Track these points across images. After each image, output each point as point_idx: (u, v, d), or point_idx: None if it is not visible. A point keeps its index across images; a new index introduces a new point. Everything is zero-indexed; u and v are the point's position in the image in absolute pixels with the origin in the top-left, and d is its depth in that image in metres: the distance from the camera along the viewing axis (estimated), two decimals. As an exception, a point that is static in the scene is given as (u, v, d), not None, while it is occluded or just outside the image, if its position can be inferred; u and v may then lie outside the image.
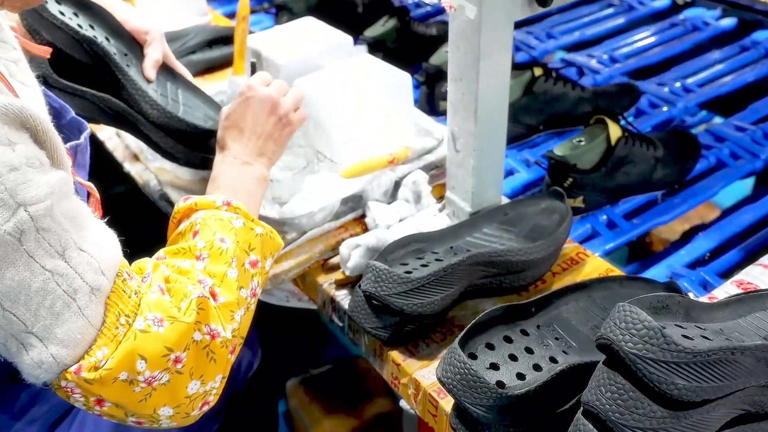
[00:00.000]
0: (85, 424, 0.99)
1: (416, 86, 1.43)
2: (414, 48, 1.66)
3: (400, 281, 0.90)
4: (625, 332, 0.62)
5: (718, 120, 1.54)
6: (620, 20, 1.93)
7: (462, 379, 0.75)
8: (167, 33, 1.56)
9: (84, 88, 1.05)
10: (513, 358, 0.80)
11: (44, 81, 1.01)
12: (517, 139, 1.43)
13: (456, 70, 0.99)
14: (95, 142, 1.46)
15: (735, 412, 0.68)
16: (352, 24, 1.68)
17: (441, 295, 0.92)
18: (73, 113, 0.90)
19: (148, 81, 1.10)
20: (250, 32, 1.36)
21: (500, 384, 0.77)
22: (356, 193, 1.15)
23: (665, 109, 1.53)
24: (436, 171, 1.22)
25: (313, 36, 1.35)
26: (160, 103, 1.08)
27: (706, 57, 1.73)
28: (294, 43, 1.33)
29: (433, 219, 1.13)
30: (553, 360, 0.81)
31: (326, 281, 1.08)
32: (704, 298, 0.99)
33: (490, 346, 0.81)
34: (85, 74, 1.07)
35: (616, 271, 1.06)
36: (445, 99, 1.46)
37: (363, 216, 1.16)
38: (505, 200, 1.15)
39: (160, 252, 0.85)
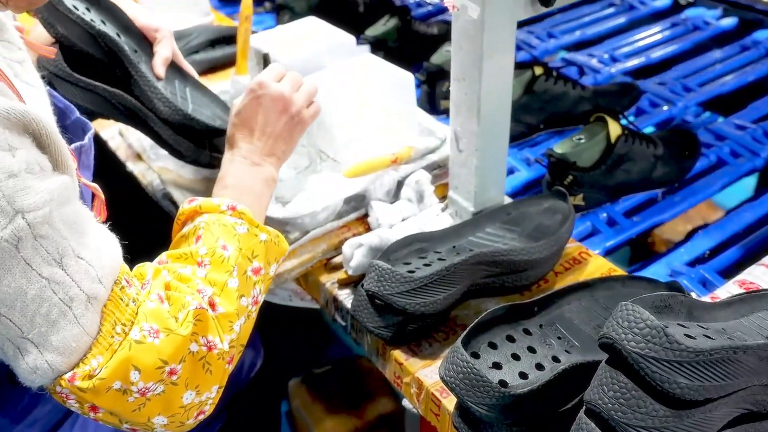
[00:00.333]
0: (87, 426, 0.99)
1: (417, 85, 1.43)
2: (415, 47, 1.66)
3: (403, 280, 0.90)
4: (628, 331, 0.62)
5: (719, 120, 1.54)
6: (621, 20, 1.93)
7: (465, 378, 0.75)
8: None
9: (96, 83, 1.05)
10: (516, 357, 0.81)
11: (56, 74, 1.01)
12: (517, 138, 1.43)
13: (459, 70, 1.00)
14: (98, 141, 1.46)
15: (737, 412, 0.68)
16: (353, 23, 1.68)
17: (444, 295, 0.92)
18: (77, 113, 0.89)
19: (158, 78, 1.10)
20: (253, 32, 1.36)
21: (503, 383, 0.77)
22: (359, 192, 1.15)
23: (665, 108, 1.54)
24: (439, 171, 1.22)
25: (315, 36, 1.36)
26: (171, 100, 1.08)
27: (706, 56, 1.73)
28: (297, 42, 1.33)
29: (435, 218, 1.13)
30: (555, 359, 0.81)
31: (329, 280, 1.08)
32: (707, 298, 0.99)
33: (493, 346, 0.81)
34: (97, 69, 1.07)
35: (619, 271, 1.06)
36: (445, 98, 1.47)
37: (366, 215, 1.17)
38: (507, 200, 1.15)
39: (163, 255, 0.84)
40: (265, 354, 1.31)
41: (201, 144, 1.13)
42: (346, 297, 1.05)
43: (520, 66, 1.43)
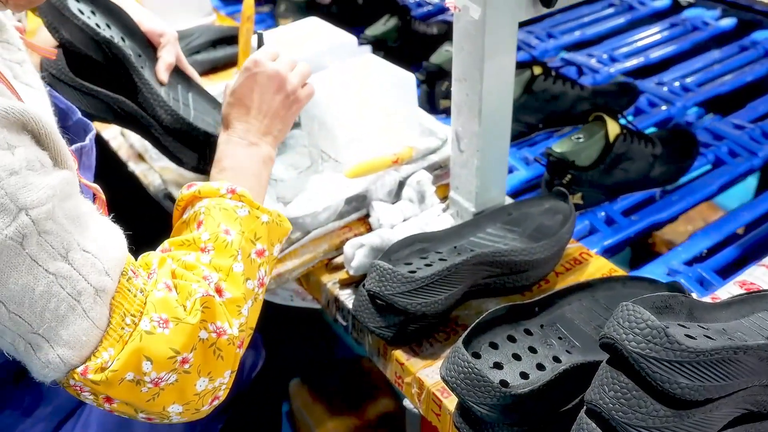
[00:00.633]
0: (89, 423, 0.99)
1: (416, 85, 1.43)
2: (415, 47, 1.66)
3: (404, 281, 0.90)
4: (629, 331, 0.62)
5: (717, 119, 1.54)
6: (620, 20, 1.94)
7: (466, 378, 0.75)
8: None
9: (99, 88, 1.05)
10: (516, 357, 0.81)
11: (58, 78, 1.01)
12: (516, 137, 1.43)
13: (460, 71, 1.00)
14: (99, 141, 1.46)
15: (737, 412, 0.68)
16: (352, 19, 1.68)
17: (445, 295, 0.92)
18: (79, 114, 0.89)
19: (161, 84, 1.10)
20: (254, 32, 1.37)
21: (504, 383, 0.77)
22: (360, 192, 1.15)
23: (664, 108, 1.54)
24: (440, 171, 1.22)
25: (316, 36, 1.36)
26: (173, 108, 1.08)
27: (705, 56, 1.74)
28: (298, 43, 1.33)
29: (436, 219, 1.14)
30: (556, 359, 0.81)
31: (330, 281, 1.09)
32: (707, 298, 0.99)
33: (494, 346, 0.82)
34: (100, 74, 1.07)
35: (620, 271, 1.06)
36: (445, 97, 1.48)
37: (367, 216, 1.17)
38: (508, 200, 1.15)
39: (165, 243, 0.84)
40: (266, 354, 1.31)
41: (202, 151, 1.13)
42: (347, 297, 1.05)
43: (519, 66, 1.43)
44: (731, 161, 1.37)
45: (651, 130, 1.48)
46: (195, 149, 1.12)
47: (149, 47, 1.13)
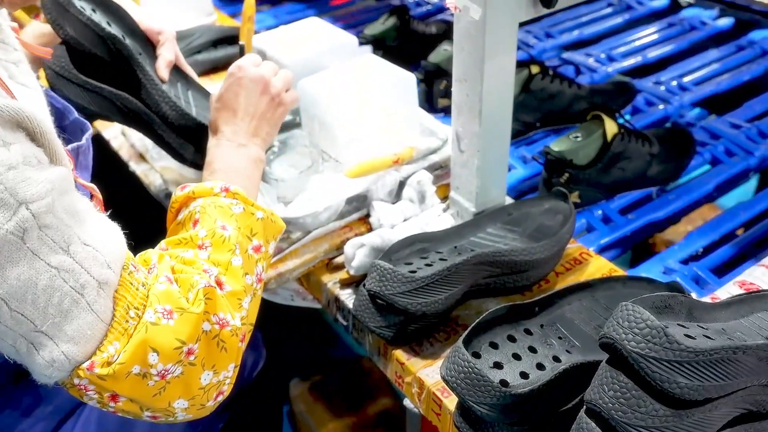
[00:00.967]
0: (89, 422, 0.99)
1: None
2: (414, 46, 1.67)
3: (405, 280, 0.90)
4: (628, 331, 0.62)
5: (714, 118, 1.55)
6: (618, 20, 1.94)
7: (466, 377, 0.75)
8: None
9: (102, 85, 1.05)
10: (516, 357, 0.81)
11: (61, 75, 1.01)
12: (514, 136, 1.43)
13: (460, 71, 1.00)
14: (100, 141, 1.47)
15: (737, 411, 0.68)
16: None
17: (445, 295, 0.92)
18: (75, 114, 0.89)
19: (162, 81, 1.10)
20: (255, 32, 1.37)
21: (504, 383, 0.77)
22: (361, 192, 1.15)
23: (661, 107, 1.55)
24: (441, 171, 1.23)
25: (317, 36, 1.36)
26: (177, 104, 1.09)
27: (702, 56, 1.74)
28: (299, 43, 1.34)
29: (437, 219, 1.14)
30: (556, 359, 0.81)
31: (331, 280, 1.09)
32: (707, 298, 0.99)
33: (494, 345, 0.82)
34: (104, 71, 1.07)
35: (619, 271, 1.06)
36: (443, 96, 1.48)
37: (367, 216, 1.17)
38: (509, 200, 1.16)
39: (162, 243, 0.84)
40: (267, 354, 1.32)
41: (202, 147, 1.13)
42: (347, 297, 1.05)
43: (516, 65, 1.43)
44: (728, 160, 1.38)
45: (647, 128, 1.49)
46: (198, 145, 1.12)
47: (149, 45, 1.13)
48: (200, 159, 1.14)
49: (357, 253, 1.05)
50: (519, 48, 1.79)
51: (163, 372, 0.71)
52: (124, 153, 1.40)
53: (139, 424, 1.02)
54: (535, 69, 1.43)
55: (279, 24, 1.92)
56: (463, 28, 0.96)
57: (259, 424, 1.36)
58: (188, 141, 1.11)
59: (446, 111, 1.50)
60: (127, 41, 1.09)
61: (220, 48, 1.62)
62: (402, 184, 1.18)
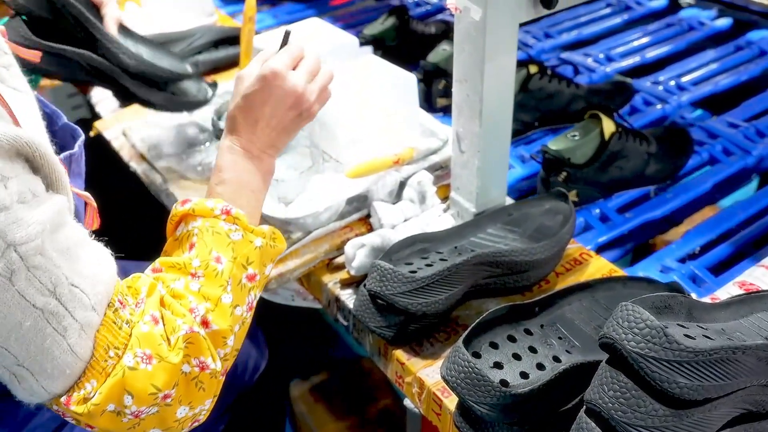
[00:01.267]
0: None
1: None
2: (413, 46, 1.67)
3: (405, 281, 0.90)
4: (628, 331, 0.63)
5: (712, 118, 1.55)
6: (617, 20, 1.95)
7: (466, 377, 0.76)
8: (174, 33, 1.58)
9: (65, 46, 1.08)
10: (516, 357, 0.81)
11: (23, 44, 1.03)
12: (512, 135, 1.43)
13: (461, 72, 1.00)
14: (101, 141, 1.47)
15: (736, 411, 0.69)
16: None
17: (445, 295, 0.92)
18: (65, 119, 0.88)
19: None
20: (256, 32, 1.37)
21: (504, 383, 0.77)
22: (361, 193, 1.15)
23: (659, 107, 1.55)
24: (441, 171, 1.23)
25: (318, 37, 1.36)
26: (134, 52, 1.12)
27: (701, 56, 1.74)
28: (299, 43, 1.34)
29: (437, 219, 1.14)
30: (556, 359, 0.81)
31: (331, 281, 1.09)
32: (707, 299, 1.00)
33: (494, 345, 0.82)
34: (59, 35, 1.10)
35: (619, 272, 1.06)
36: (442, 96, 1.48)
37: (368, 216, 1.17)
38: (509, 200, 1.16)
39: (156, 263, 0.83)
40: (268, 354, 1.32)
41: (169, 90, 1.19)
42: (348, 297, 1.05)
43: (515, 64, 1.44)
44: (725, 159, 1.38)
45: (645, 128, 1.49)
46: (161, 89, 1.15)
47: (93, 7, 1.16)
48: (168, 103, 1.17)
49: (357, 253, 1.05)
50: (518, 48, 1.79)
51: (137, 412, 0.72)
52: (125, 153, 1.40)
53: None
54: (533, 69, 1.43)
55: (279, 24, 1.93)
56: (463, 28, 0.96)
57: (261, 424, 1.36)
58: (152, 87, 1.15)
59: (445, 110, 1.50)
60: (75, 3, 1.11)
61: (221, 48, 1.62)
62: (402, 185, 1.18)
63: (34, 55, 0.93)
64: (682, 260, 1.16)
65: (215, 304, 0.79)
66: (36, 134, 0.69)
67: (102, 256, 0.74)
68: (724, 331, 0.70)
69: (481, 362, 0.80)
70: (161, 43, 1.33)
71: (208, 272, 0.80)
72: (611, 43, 1.83)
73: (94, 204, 0.83)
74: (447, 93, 1.49)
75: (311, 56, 0.96)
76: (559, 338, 0.85)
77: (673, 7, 2.00)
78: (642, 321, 0.62)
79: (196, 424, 0.79)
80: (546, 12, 0.96)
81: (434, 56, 1.50)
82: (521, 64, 1.44)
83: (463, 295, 0.97)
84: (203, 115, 1.38)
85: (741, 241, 1.19)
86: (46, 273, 0.66)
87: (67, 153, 0.82)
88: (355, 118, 1.18)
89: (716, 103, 1.60)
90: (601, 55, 1.75)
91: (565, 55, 1.77)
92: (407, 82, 1.22)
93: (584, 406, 0.67)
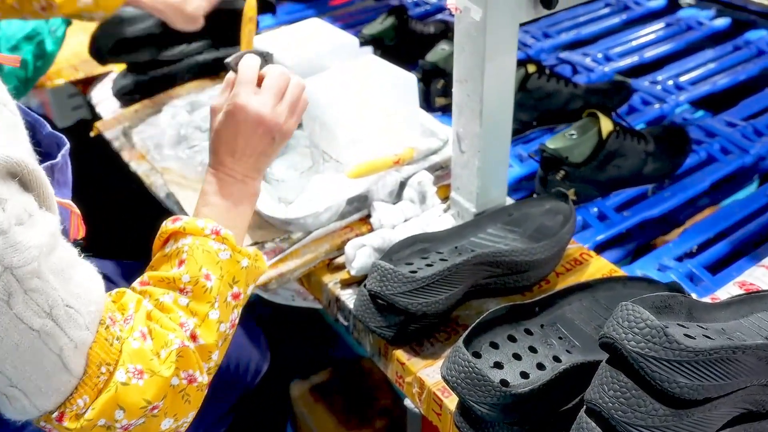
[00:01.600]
0: None
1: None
2: (412, 46, 1.67)
3: (405, 281, 0.90)
4: (628, 331, 0.63)
5: (710, 117, 1.55)
6: (616, 20, 1.95)
7: (466, 377, 0.76)
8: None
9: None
10: (517, 357, 0.81)
11: None
12: (511, 134, 1.44)
13: (461, 72, 1.00)
14: (102, 141, 1.47)
15: (736, 411, 0.69)
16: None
17: (445, 295, 0.92)
18: (48, 128, 0.86)
19: None
20: (256, 32, 1.37)
21: (504, 382, 0.77)
22: (362, 193, 1.15)
23: (657, 106, 1.55)
24: (441, 172, 1.23)
25: (318, 37, 1.36)
26: None
27: (699, 56, 1.75)
28: (300, 44, 1.34)
29: (437, 219, 1.14)
30: (556, 359, 0.81)
31: (331, 281, 1.09)
32: (707, 299, 1.00)
33: (494, 345, 0.82)
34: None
35: (620, 272, 1.07)
36: (440, 95, 1.49)
37: (368, 216, 1.17)
38: (509, 200, 1.16)
39: (145, 276, 0.84)
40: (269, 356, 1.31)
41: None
42: (348, 297, 1.05)
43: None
44: (723, 158, 1.38)
45: (641, 127, 1.49)
46: None
47: None
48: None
49: (358, 253, 1.05)
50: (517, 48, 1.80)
51: (126, 426, 0.73)
52: (126, 154, 1.40)
53: None
54: (531, 68, 1.44)
55: (278, 24, 1.93)
56: (463, 28, 0.96)
57: (262, 427, 1.36)
58: None
59: (443, 110, 1.51)
60: None
61: (222, 49, 1.62)
62: (403, 185, 1.18)
63: (14, 60, 0.92)
64: (680, 259, 1.16)
65: (203, 320, 0.81)
66: (23, 151, 0.69)
67: (92, 275, 0.75)
68: (724, 331, 0.70)
69: (482, 362, 0.80)
70: (163, 45, 1.35)
71: (198, 288, 0.82)
72: (610, 42, 1.83)
73: (78, 211, 0.82)
74: (445, 92, 1.49)
75: (273, 75, 0.96)
76: (560, 338, 0.85)
77: (672, 6, 2.00)
78: (642, 321, 0.62)
79: None
80: (546, 12, 0.96)
81: (433, 56, 1.50)
82: (519, 63, 1.44)
83: (464, 295, 0.97)
84: (203, 115, 1.38)
85: (738, 240, 1.19)
86: (42, 295, 0.66)
87: (48, 163, 0.81)
88: (356, 118, 1.18)
89: (714, 103, 1.60)
90: (600, 55, 1.75)
91: (563, 54, 1.78)
92: (407, 82, 1.22)
93: (584, 406, 0.67)
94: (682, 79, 1.65)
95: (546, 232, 1.05)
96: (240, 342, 1.23)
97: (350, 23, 1.96)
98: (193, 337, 0.80)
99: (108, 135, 1.45)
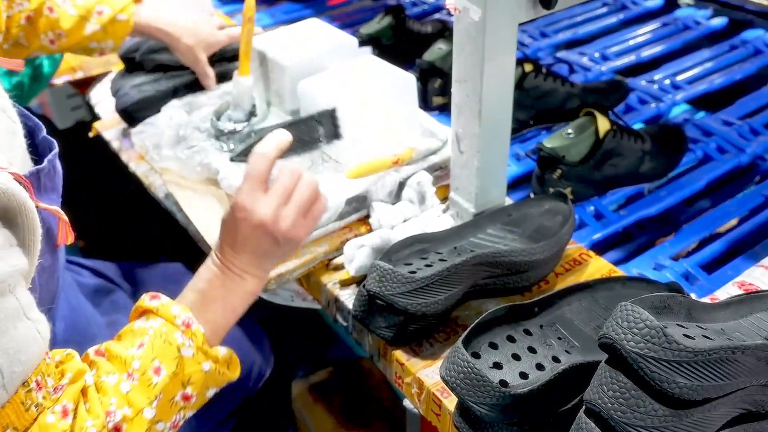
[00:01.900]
0: None
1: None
2: (409, 45, 1.67)
3: (404, 281, 0.90)
4: (627, 331, 0.63)
5: (706, 116, 1.56)
6: (613, 19, 1.96)
7: (465, 377, 0.76)
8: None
9: None
10: (516, 357, 0.81)
11: None
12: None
13: (460, 72, 1.00)
14: (101, 142, 1.47)
15: (736, 412, 0.69)
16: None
17: (445, 295, 0.92)
18: (44, 132, 0.85)
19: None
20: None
21: (503, 383, 0.77)
22: (361, 193, 1.15)
23: (654, 105, 1.55)
24: (440, 172, 1.23)
25: (317, 37, 1.36)
26: None
27: (696, 55, 1.75)
28: (299, 44, 1.34)
29: (437, 219, 1.14)
30: (555, 359, 0.81)
31: (330, 281, 1.09)
32: (706, 299, 1.00)
33: (494, 346, 0.82)
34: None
35: (619, 272, 1.07)
36: (437, 95, 1.49)
37: (367, 216, 1.17)
38: (508, 201, 1.16)
39: (103, 346, 0.82)
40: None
41: None
42: (347, 298, 1.05)
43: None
44: (719, 157, 1.39)
45: (638, 126, 1.49)
46: None
47: None
48: None
49: (357, 253, 1.05)
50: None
51: None
52: (125, 154, 1.40)
53: None
54: (528, 67, 1.44)
55: (276, 23, 1.93)
56: (462, 29, 0.96)
57: (265, 429, 1.36)
58: None
59: (441, 109, 1.51)
60: None
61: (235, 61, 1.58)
62: (402, 185, 1.18)
63: (18, 65, 0.91)
64: (676, 258, 1.16)
65: (135, 414, 0.77)
66: (17, 188, 0.66)
67: (32, 335, 0.70)
68: (723, 332, 0.70)
69: (481, 362, 0.80)
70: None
71: (143, 380, 0.79)
72: (607, 42, 1.84)
73: (65, 218, 0.80)
74: (443, 91, 1.49)
75: (284, 173, 0.91)
76: (559, 338, 0.85)
77: (669, 6, 2.01)
78: (641, 321, 0.62)
79: None
80: (545, 12, 0.96)
81: (430, 55, 1.50)
82: (516, 62, 1.44)
83: (463, 295, 0.97)
84: (202, 116, 1.38)
85: (734, 239, 1.20)
86: None
87: (34, 168, 0.79)
88: (355, 118, 1.18)
89: (711, 102, 1.61)
90: (597, 54, 1.76)
91: (560, 54, 1.78)
92: (407, 82, 1.22)
93: (584, 407, 0.67)
94: (679, 78, 1.65)
95: (545, 233, 1.05)
96: (244, 346, 1.22)
97: (348, 23, 1.96)
98: (117, 429, 0.75)
99: (106, 135, 1.45)
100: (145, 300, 0.85)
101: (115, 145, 1.43)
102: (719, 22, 1.88)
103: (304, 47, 1.33)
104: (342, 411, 1.68)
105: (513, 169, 1.36)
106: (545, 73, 1.46)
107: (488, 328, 0.84)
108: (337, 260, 1.11)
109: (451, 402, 0.88)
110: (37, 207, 0.70)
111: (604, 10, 2.01)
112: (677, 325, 0.68)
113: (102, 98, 1.60)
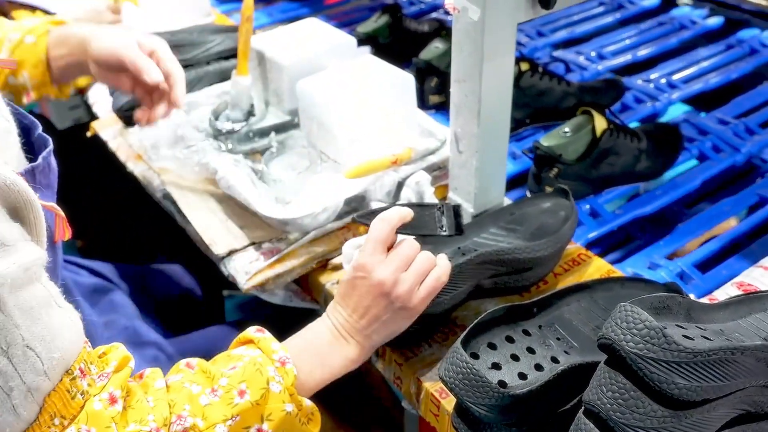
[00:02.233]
0: None
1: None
2: (406, 44, 1.67)
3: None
4: (626, 332, 0.63)
5: (702, 115, 1.56)
6: (609, 18, 1.96)
7: (464, 378, 0.75)
8: (172, 32, 1.57)
9: None
10: (515, 357, 0.81)
11: None
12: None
13: (459, 72, 1.00)
14: (98, 141, 1.46)
15: (735, 412, 0.69)
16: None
17: (450, 295, 0.92)
18: (40, 129, 0.84)
19: None
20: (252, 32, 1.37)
21: (502, 383, 0.77)
22: (359, 193, 1.15)
23: (650, 104, 1.56)
24: (439, 172, 1.23)
25: (316, 37, 1.36)
26: None
27: (692, 54, 1.76)
28: (297, 43, 1.34)
29: (435, 219, 1.14)
30: (554, 360, 0.81)
31: (329, 281, 1.09)
32: (705, 299, 1.00)
33: (492, 346, 0.82)
34: None
35: (618, 272, 1.07)
36: (434, 93, 1.49)
37: (366, 216, 1.17)
38: (507, 201, 1.16)
39: (194, 360, 0.82)
40: None
41: None
42: (346, 297, 1.05)
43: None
44: (715, 156, 1.39)
45: (634, 125, 1.49)
46: None
47: None
48: None
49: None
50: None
51: None
52: (122, 154, 1.39)
53: None
54: (524, 66, 1.44)
55: (273, 22, 1.93)
56: (461, 28, 0.96)
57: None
58: None
59: (437, 108, 1.51)
60: None
61: (232, 59, 1.58)
62: (400, 185, 1.18)
63: (11, 63, 0.91)
64: (671, 257, 1.16)
65: (207, 427, 0.75)
66: (23, 184, 0.66)
67: (66, 322, 0.70)
68: (722, 332, 0.70)
69: (480, 363, 0.80)
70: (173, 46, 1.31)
71: (225, 397, 0.78)
72: (603, 41, 1.84)
73: (63, 214, 0.79)
74: (439, 90, 1.49)
75: (406, 245, 0.91)
76: (558, 339, 0.85)
77: (665, 5, 2.01)
78: (641, 321, 0.62)
79: None
80: (544, 12, 0.96)
81: (426, 54, 1.50)
82: (513, 61, 1.45)
83: (468, 295, 0.97)
84: (200, 115, 1.37)
85: (728, 239, 1.20)
86: (2, 331, 0.63)
87: (29, 165, 0.79)
88: (353, 118, 1.18)
89: (707, 101, 1.61)
90: (593, 53, 1.76)
91: (557, 53, 1.78)
92: (405, 82, 1.22)
93: (583, 407, 0.67)
94: (675, 77, 1.66)
95: (548, 230, 1.04)
96: None
97: (345, 22, 1.96)
98: None
99: (104, 135, 1.45)
100: (250, 331, 0.85)
101: (112, 144, 1.43)
102: (715, 21, 1.89)
103: (302, 47, 1.32)
104: (340, 411, 1.68)
105: (509, 167, 1.36)
106: (542, 72, 1.46)
107: (487, 328, 0.84)
108: (336, 260, 1.11)
109: (449, 403, 0.88)
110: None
111: (601, 9, 2.02)
112: (676, 325, 0.68)
113: (99, 98, 1.60)
